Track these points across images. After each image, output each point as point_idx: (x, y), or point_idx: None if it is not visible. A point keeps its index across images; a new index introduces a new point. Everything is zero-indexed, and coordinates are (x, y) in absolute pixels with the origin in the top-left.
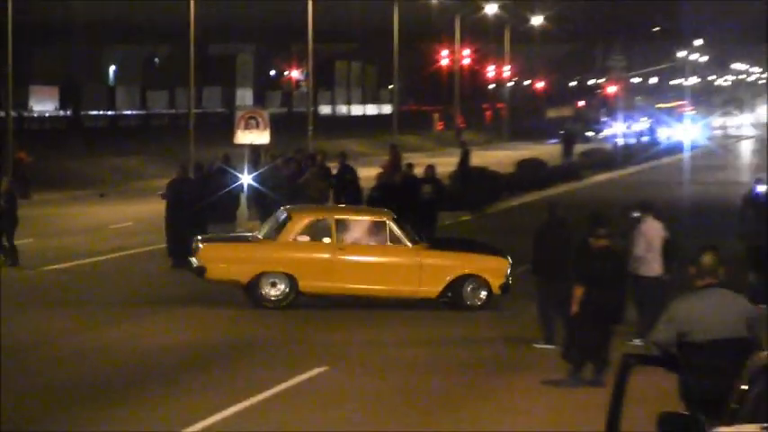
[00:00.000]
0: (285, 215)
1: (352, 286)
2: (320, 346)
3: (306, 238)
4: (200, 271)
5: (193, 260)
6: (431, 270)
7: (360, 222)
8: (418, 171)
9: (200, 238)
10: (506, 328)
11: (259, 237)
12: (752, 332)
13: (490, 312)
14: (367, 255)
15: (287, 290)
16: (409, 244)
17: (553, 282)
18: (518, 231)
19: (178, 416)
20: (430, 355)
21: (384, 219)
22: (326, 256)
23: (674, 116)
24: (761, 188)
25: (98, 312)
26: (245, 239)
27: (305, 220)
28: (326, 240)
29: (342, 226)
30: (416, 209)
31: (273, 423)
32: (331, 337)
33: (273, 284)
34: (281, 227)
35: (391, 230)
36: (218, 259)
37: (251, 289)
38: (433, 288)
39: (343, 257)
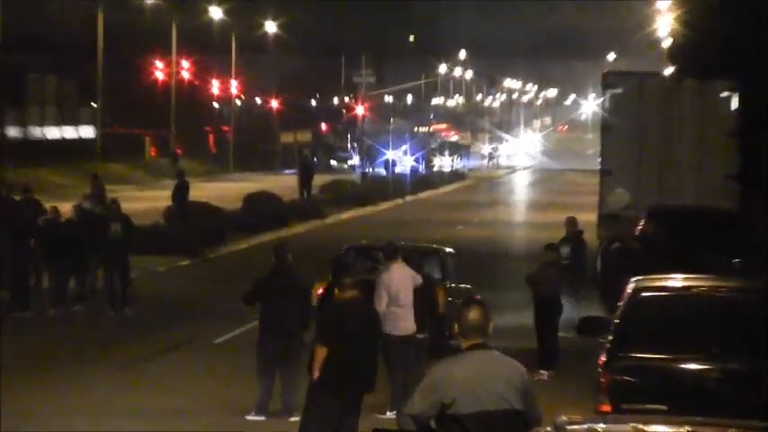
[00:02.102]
0: None
1: None
2: None
3: None
4: None
5: None
6: None
7: None
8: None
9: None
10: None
11: None
12: (527, 404)
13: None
14: None
15: None
16: None
17: (279, 338)
18: (246, 280)
19: None
20: None
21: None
22: None
23: (434, 141)
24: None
25: None
26: None
27: None
28: None
29: None
30: (104, 250)
31: None
32: None
33: None
34: None
35: None
36: None
37: None
38: None
39: None
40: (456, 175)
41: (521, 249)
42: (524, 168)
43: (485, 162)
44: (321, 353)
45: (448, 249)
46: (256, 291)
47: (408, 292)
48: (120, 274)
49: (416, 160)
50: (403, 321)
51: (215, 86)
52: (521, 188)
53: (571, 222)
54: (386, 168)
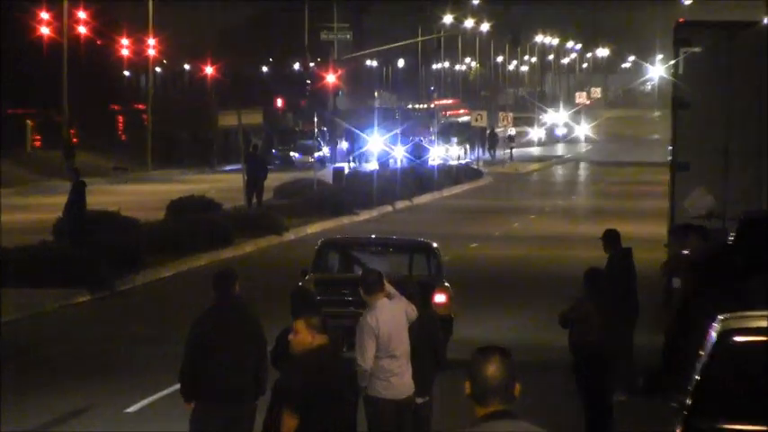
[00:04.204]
0: None
1: None
2: None
3: None
4: None
5: None
6: None
7: None
8: None
9: None
10: None
11: None
12: None
13: None
14: None
15: None
16: None
17: (224, 405)
18: (172, 322)
19: None
20: None
21: None
22: None
23: (435, 122)
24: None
25: None
26: None
27: None
28: None
29: None
30: None
31: None
32: None
33: None
34: None
35: None
36: None
37: None
38: None
39: None
40: (467, 172)
41: (561, 275)
42: (565, 160)
43: (503, 152)
44: (291, 421)
45: (434, 244)
46: (192, 347)
47: (403, 336)
48: None
49: (411, 151)
50: (399, 378)
51: (125, 48)
52: (559, 188)
53: (610, 237)
54: (380, 162)
